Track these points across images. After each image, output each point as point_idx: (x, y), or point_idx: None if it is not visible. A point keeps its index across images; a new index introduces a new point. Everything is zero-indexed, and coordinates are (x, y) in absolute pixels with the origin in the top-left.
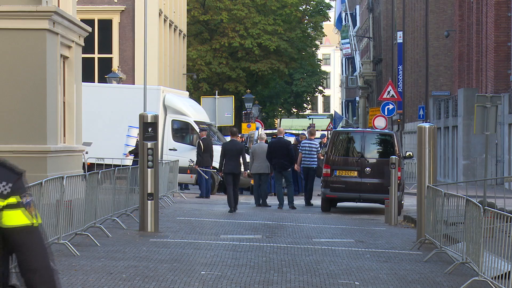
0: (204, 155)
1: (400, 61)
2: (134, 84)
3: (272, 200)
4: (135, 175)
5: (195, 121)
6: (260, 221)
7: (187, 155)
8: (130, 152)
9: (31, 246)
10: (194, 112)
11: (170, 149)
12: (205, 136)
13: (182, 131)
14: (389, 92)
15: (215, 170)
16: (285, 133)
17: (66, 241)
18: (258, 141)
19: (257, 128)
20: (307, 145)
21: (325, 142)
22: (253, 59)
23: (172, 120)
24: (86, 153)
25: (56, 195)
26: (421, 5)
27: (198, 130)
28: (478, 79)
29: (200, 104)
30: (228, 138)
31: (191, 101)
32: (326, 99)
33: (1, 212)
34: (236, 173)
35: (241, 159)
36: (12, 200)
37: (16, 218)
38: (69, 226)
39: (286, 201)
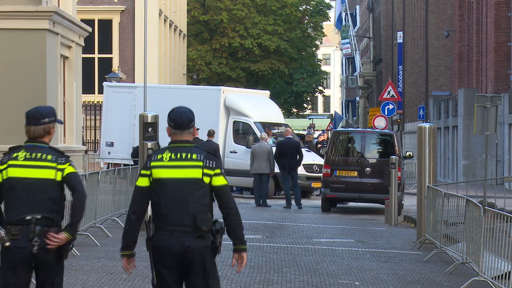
0: None
1: (400, 61)
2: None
3: (271, 201)
4: (135, 175)
5: (256, 122)
6: (260, 221)
7: (247, 157)
8: None
9: (228, 195)
10: (257, 113)
11: (230, 152)
12: (197, 136)
13: (243, 133)
14: (389, 92)
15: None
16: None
17: None
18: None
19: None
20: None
21: (323, 139)
22: (253, 59)
23: (234, 121)
24: (109, 153)
25: None
26: (421, 5)
27: (258, 131)
28: (478, 79)
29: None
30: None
31: (261, 101)
32: (326, 99)
33: (212, 178)
34: None
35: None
36: (217, 171)
37: (220, 181)
38: None
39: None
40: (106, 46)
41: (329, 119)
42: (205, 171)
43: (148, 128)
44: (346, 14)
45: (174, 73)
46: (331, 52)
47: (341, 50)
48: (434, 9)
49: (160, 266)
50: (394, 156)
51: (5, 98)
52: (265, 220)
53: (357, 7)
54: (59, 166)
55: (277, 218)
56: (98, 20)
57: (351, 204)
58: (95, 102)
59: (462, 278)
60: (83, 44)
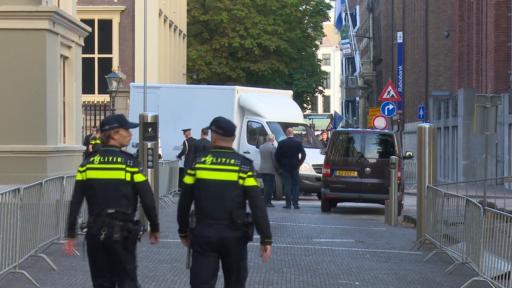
0: (188, 155)
1: (400, 61)
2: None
3: (274, 201)
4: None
5: (270, 122)
6: None
7: (259, 158)
8: (179, 156)
9: (256, 194)
10: (272, 112)
11: (244, 152)
12: (190, 136)
13: (256, 133)
14: (389, 92)
15: None
16: None
17: None
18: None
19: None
20: None
21: (322, 139)
22: (253, 59)
23: (248, 121)
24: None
25: (56, 195)
26: (421, 5)
27: (269, 131)
28: (478, 79)
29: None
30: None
31: (279, 100)
32: (326, 99)
33: (245, 179)
34: None
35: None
36: (249, 173)
37: (251, 182)
38: None
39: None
40: (106, 46)
41: (329, 119)
42: (240, 174)
43: (148, 128)
44: (346, 14)
45: (174, 73)
46: (331, 52)
47: (341, 50)
48: (434, 9)
49: (200, 251)
50: (394, 156)
51: (5, 97)
52: None
53: (357, 7)
54: (128, 169)
55: (277, 218)
56: (98, 20)
57: (351, 204)
58: (95, 102)
59: (462, 278)
60: (83, 44)
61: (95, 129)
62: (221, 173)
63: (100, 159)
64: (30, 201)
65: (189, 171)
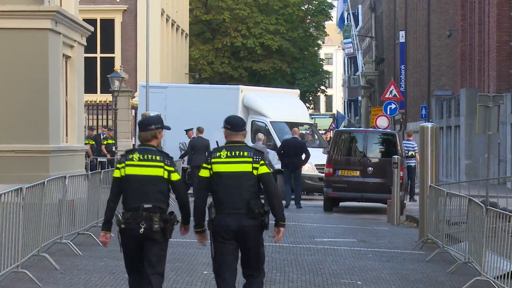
0: (194, 156)
1: (402, 61)
2: (136, 83)
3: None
4: None
5: (274, 122)
6: None
7: None
8: (181, 157)
9: (269, 181)
10: (276, 112)
11: None
12: (194, 136)
13: (263, 133)
14: (391, 91)
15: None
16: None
17: (69, 241)
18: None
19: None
20: (403, 145)
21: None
22: (255, 58)
23: (252, 121)
24: None
25: (59, 195)
26: (423, 5)
27: (273, 131)
28: (480, 78)
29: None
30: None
31: (284, 100)
32: (328, 99)
33: (258, 168)
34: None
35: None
36: (261, 162)
37: (263, 169)
38: (72, 226)
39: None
40: (108, 46)
41: (331, 119)
42: (254, 165)
43: None
44: (348, 13)
45: (176, 72)
46: (333, 52)
47: (343, 49)
48: (436, 8)
49: (220, 240)
50: (396, 156)
51: (7, 97)
52: None
53: (359, 6)
54: (166, 167)
55: None
56: (100, 19)
57: (353, 203)
58: (97, 102)
59: (465, 277)
60: (85, 44)
61: (105, 129)
62: (236, 165)
63: (140, 156)
64: (33, 200)
65: (204, 165)
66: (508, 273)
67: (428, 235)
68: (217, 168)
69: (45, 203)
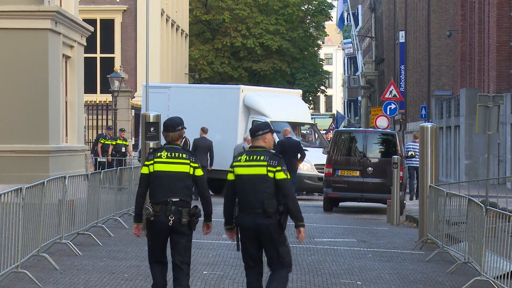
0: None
1: (402, 61)
2: (136, 83)
3: None
4: (137, 175)
5: (274, 121)
6: None
7: None
8: None
9: (286, 185)
10: (277, 112)
11: None
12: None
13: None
14: (391, 91)
15: None
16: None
17: (69, 241)
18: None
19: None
20: (411, 147)
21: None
22: (255, 58)
23: (253, 120)
24: None
25: (58, 195)
26: (423, 5)
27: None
28: (480, 78)
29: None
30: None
31: (286, 100)
32: (328, 99)
33: (275, 173)
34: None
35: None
36: (278, 168)
37: (280, 175)
38: (71, 226)
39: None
40: (108, 46)
41: (331, 119)
42: (269, 168)
43: (150, 128)
44: (348, 13)
45: (176, 72)
46: (333, 52)
47: (343, 49)
48: (436, 8)
49: (243, 237)
50: (396, 156)
51: (7, 97)
52: None
53: (359, 6)
54: (192, 164)
55: None
56: (100, 19)
57: (353, 203)
58: (97, 102)
59: (464, 277)
60: (85, 44)
61: (108, 130)
62: (253, 168)
63: (168, 154)
64: (32, 200)
65: (230, 169)
66: (507, 273)
67: (428, 235)
68: (238, 171)
69: (45, 203)
